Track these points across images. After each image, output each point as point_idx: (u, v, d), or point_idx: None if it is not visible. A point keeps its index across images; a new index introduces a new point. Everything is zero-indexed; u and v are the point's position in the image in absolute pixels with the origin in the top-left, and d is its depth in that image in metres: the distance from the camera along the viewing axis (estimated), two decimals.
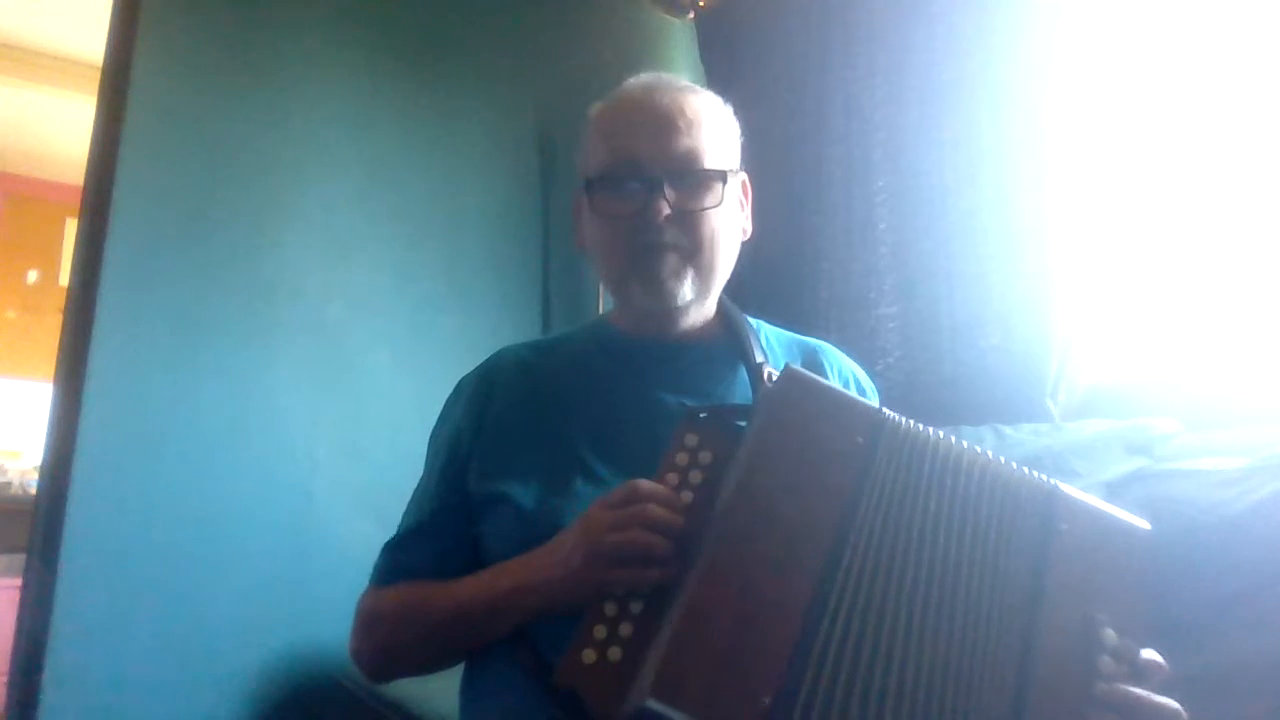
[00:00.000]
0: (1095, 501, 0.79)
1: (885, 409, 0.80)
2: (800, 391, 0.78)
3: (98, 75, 1.75)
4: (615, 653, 0.70)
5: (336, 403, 1.89)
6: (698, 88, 1.05)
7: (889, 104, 1.86)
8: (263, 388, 1.81)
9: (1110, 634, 0.72)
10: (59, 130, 3.55)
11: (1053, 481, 0.78)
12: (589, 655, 0.70)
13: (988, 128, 1.70)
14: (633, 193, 0.98)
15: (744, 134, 1.07)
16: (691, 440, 0.79)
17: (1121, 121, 1.60)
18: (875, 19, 1.90)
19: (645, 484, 0.77)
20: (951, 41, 1.76)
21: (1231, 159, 1.51)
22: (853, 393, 0.96)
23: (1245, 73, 1.49)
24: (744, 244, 1.07)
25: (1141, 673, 0.72)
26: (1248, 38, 1.48)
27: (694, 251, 0.98)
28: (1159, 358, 1.60)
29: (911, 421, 0.79)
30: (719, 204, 0.99)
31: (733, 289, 1.07)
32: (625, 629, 0.71)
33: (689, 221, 0.98)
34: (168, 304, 1.71)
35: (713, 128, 1.02)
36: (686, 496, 0.76)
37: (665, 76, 1.05)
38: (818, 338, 1.14)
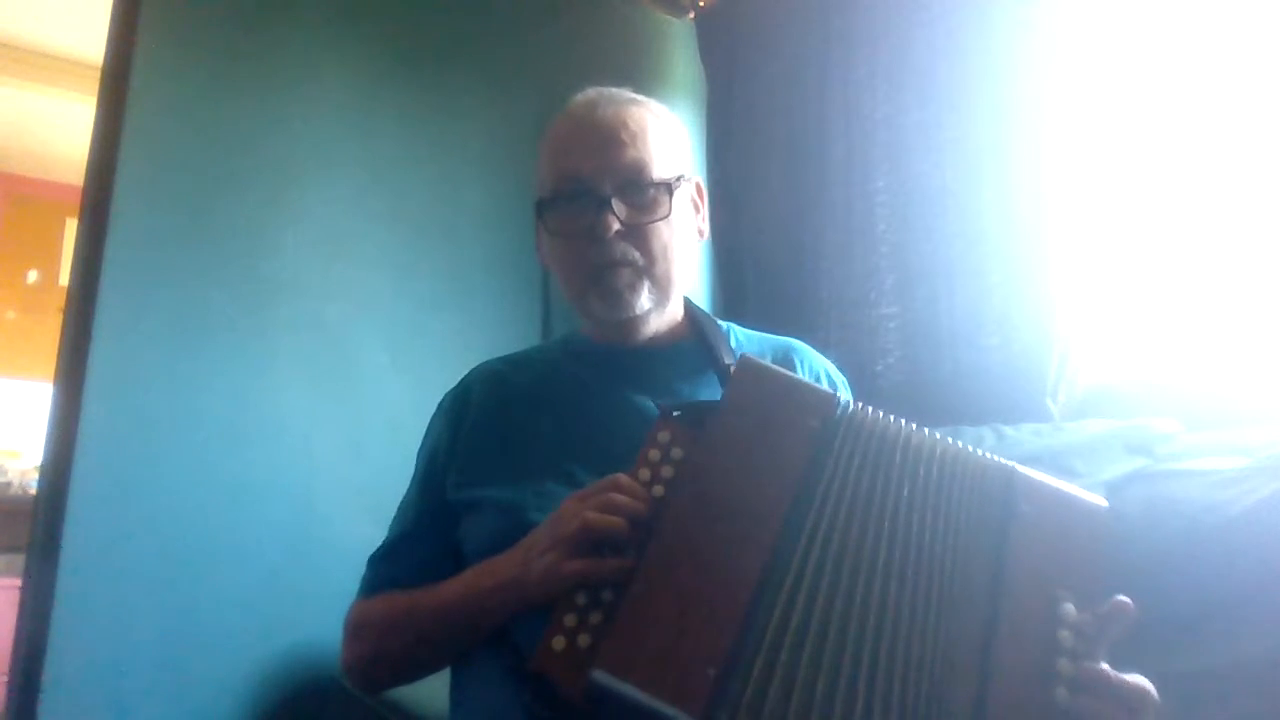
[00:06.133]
0: (1054, 482, 0.80)
1: (841, 395, 0.81)
2: (754, 378, 0.81)
3: (98, 75, 1.75)
4: (585, 639, 0.71)
5: (336, 403, 1.89)
6: (642, 98, 1.06)
7: (889, 104, 1.86)
8: (263, 387, 1.81)
9: (1070, 609, 0.72)
10: (59, 130, 3.54)
11: (1011, 463, 0.79)
12: (559, 642, 0.71)
13: (988, 128, 1.70)
14: (581, 210, 0.99)
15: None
16: (664, 437, 0.80)
17: (1121, 122, 1.60)
18: (875, 19, 1.90)
19: (623, 477, 0.78)
20: (951, 41, 1.76)
21: (1231, 159, 1.51)
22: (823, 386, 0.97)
23: (1245, 73, 1.49)
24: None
25: (1107, 618, 0.72)
26: (1248, 38, 1.48)
27: (648, 265, 1.00)
28: (1159, 358, 1.60)
29: (873, 409, 0.80)
30: (668, 215, 1.00)
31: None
32: (595, 617, 0.72)
33: (639, 235, 0.99)
34: (168, 304, 1.71)
35: (658, 137, 1.02)
36: (659, 491, 0.78)
37: (609, 90, 1.05)
38: (818, 338, 1.15)
